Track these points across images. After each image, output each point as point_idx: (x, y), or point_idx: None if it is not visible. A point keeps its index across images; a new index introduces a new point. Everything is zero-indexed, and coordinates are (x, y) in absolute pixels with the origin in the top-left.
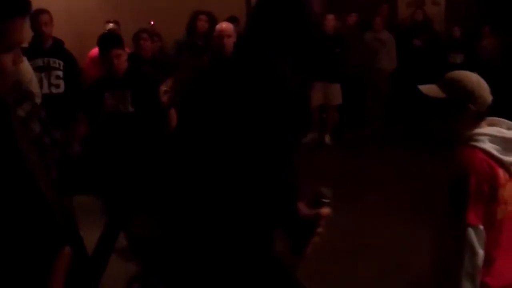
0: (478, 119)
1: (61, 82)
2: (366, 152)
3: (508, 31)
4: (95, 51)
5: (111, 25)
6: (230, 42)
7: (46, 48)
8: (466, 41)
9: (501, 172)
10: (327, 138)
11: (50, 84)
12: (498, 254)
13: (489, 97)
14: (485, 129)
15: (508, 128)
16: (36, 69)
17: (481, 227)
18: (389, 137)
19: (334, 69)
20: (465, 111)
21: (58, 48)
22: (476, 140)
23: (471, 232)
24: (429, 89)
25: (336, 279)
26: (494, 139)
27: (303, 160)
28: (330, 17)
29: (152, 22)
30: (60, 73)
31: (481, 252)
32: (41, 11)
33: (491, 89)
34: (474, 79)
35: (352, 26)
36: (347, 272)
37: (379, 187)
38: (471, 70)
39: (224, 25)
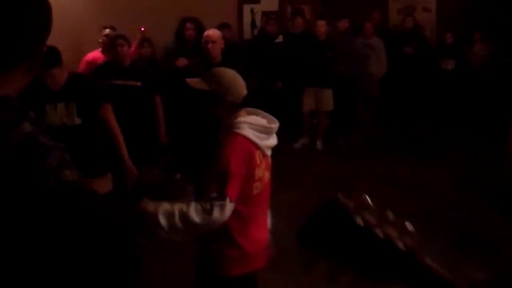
0: (235, 109)
1: None
2: (356, 156)
3: (499, 38)
4: (91, 54)
5: (107, 30)
6: (214, 48)
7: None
8: (457, 47)
9: (257, 154)
10: (319, 144)
11: None
12: (252, 224)
13: (243, 91)
14: (245, 117)
15: (263, 117)
16: None
17: (232, 202)
18: (379, 142)
19: (326, 74)
20: (223, 102)
21: None
22: (238, 128)
23: (226, 204)
24: (196, 82)
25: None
26: (252, 126)
27: (294, 164)
28: (321, 23)
29: (142, 28)
30: None
31: (220, 224)
32: None
33: (481, 94)
34: (230, 75)
35: (343, 32)
36: None
37: (369, 190)
38: (462, 76)
39: (211, 32)
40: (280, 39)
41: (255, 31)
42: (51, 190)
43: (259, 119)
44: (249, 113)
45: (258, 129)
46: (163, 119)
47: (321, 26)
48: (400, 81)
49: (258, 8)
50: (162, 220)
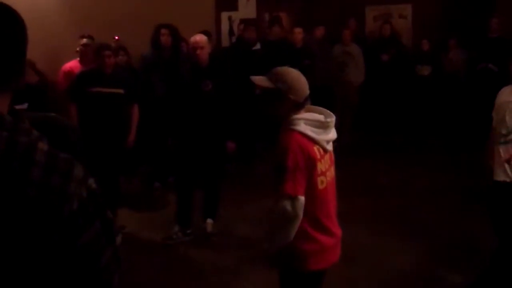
0: (297, 108)
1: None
2: (335, 163)
3: (474, 44)
4: (68, 64)
5: (85, 40)
6: (203, 53)
7: None
8: (433, 53)
9: (316, 149)
10: None
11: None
12: (325, 219)
13: (306, 91)
14: (301, 114)
15: (320, 113)
16: None
17: (301, 197)
18: (357, 149)
19: None
20: (286, 100)
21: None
22: (294, 124)
23: (286, 201)
24: (261, 80)
25: None
26: (308, 121)
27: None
28: (298, 30)
29: (116, 37)
30: None
31: (294, 219)
32: None
33: (457, 99)
34: (295, 75)
35: (319, 39)
36: None
37: (347, 197)
38: (438, 82)
39: (198, 38)
40: (258, 46)
41: (233, 39)
42: (85, 200)
43: (316, 115)
44: (307, 110)
45: (314, 125)
46: (135, 126)
47: (298, 33)
48: (378, 88)
49: (236, 15)
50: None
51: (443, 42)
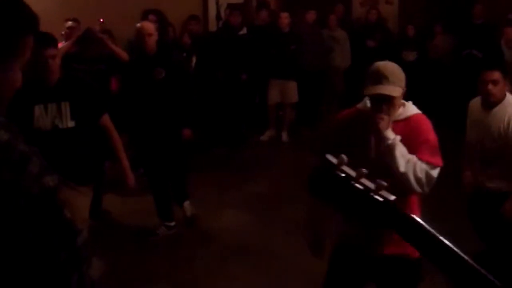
0: None
1: None
2: None
3: (459, 30)
4: None
5: (70, 23)
6: (151, 40)
7: None
8: (418, 39)
9: None
10: (284, 135)
11: None
12: None
13: None
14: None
15: None
16: None
17: None
18: None
19: (290, 67)
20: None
21: None
22: (416, 109)
23: (437, 172)
24: (394, 91)
25: (286, 269)
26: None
27: (261, 156)
28: (284, 15)
29: (101, 20)
30: None
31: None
32: None
33: (444, 86)
34: (395, 65)
35: (310, 24)
36: (300, 258)
37: None
38: (424, 68)
39: (145, 24)
40: (244, 31)
41: (220, 24)
42: (35, 197)
43: None
44: None
45: None
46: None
47: (284, 18)
48: (363, 73)
49: (223, 0)
50: (401, 160)
51: (428, 28)
